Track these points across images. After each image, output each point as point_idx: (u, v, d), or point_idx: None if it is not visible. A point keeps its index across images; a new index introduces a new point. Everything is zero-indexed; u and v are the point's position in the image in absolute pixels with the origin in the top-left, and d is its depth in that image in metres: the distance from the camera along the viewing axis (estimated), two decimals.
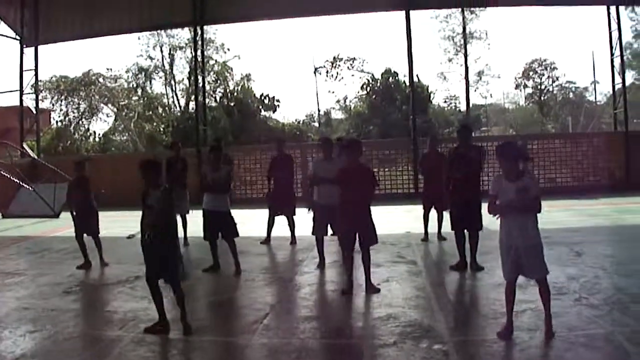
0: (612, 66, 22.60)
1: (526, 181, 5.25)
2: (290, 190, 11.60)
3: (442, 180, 9.88)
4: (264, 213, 11.71)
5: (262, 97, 43.89)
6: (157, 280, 5.97)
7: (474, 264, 8.40)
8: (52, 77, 42.13)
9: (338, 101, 49.41)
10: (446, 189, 8.71)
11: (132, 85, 44.14)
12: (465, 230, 8.42)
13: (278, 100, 44.33)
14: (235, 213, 9.14)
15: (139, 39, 42.05)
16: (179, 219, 11.70)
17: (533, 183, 5.37)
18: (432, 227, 11.06)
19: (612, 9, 22.04)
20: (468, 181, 8.30)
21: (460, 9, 38.72)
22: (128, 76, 43.86)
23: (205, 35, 28.45)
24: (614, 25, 21.94)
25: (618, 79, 22.64)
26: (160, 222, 5.91)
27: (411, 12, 22.08)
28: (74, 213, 9.83)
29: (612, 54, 22.41)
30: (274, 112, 44.96)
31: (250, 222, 13.46)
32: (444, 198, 9.19)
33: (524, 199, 5.19)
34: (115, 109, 43.87)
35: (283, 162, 11.47)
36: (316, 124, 49.86)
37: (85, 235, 9.77)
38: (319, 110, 49.86)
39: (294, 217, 11.36)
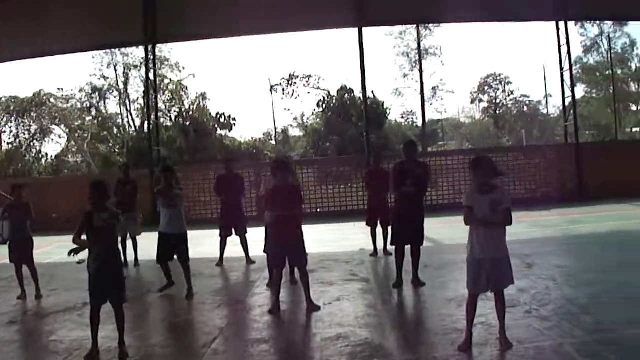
0: (562, 80, 23.19)
1: (499, 194, 5.37)
2: (240, 209, 11.62)
3: (386, 195, 10.46)
4: (217, 233, 11.52)
5: (218, 116, 43.52)
6: (103, 303, 5.89)
7: (416, 280, 8.42)
8: (1, 98, 41.31)
9: (295, 118, 49.62)
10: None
11: (86, 105, 43.57)
12: (407, 246, 8.43)
13: (234, 119, 44.02)
14: (190, 234, 8.96)
15: (92, 57, 41.79)
16: (129, 241, 11.51)
17: (505, 196, 5.45)
18: (381, 242, 11.05)
19: (562, 24, 22.58)
20: (414, 197, 8.34)
21: (415, 26, 39.36)
22: (81, 96, 43.33)
23: (159, 54, 28.21)
24: (563, 40, 22.47)
25: (569, 93, 23.20)
26: (113, 244, 5.97)
27: (364, 29, 22.20)
28: (9, 240, 9.29)
29: (561, 68, 22.99)
30: (230, 130, 44.58)
31: (204, 242, 13.25)
32: (388, 213, 9.26)
33: (497, 211, 5.27)
34: (67, 130, 43.09)
35: (232, 181, 11.40)
36: (273, 142, 49.81)
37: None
38: (275, 128, 49.98)
39: (246, 235, 11.27)
